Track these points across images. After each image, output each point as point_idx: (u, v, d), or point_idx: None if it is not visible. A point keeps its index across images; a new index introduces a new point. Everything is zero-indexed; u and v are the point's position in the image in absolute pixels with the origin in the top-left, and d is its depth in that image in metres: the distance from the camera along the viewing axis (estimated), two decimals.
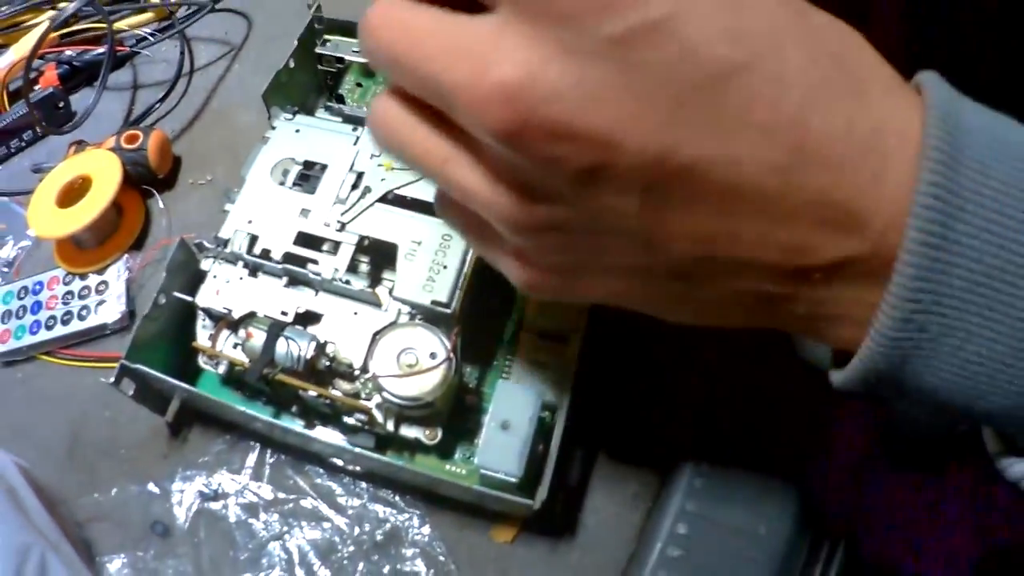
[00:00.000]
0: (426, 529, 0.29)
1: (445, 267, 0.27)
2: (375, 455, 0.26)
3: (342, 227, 0.29)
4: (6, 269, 0.37)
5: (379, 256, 0.29)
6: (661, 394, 0.31)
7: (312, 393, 0.27)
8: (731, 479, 0.27)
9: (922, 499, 0.30)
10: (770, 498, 0.27)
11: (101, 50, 0.42)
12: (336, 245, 0.29)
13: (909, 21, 0.38)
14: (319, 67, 0.35)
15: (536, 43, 0.13)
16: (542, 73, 0.13)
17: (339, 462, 0.30)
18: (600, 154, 0.14)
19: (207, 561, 0.30)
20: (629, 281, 0.17)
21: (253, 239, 0.29)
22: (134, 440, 0.32)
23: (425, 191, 0.29)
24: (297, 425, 0.29)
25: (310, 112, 0.34)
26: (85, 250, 0.36)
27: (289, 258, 0.28)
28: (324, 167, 0.30)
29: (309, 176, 0.30)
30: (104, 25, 0.41)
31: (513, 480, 0.25)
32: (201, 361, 0.30)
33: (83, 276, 0.35)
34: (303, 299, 0.28)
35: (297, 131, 0.32)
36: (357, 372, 0.27)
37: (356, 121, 0.32)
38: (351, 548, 0.29)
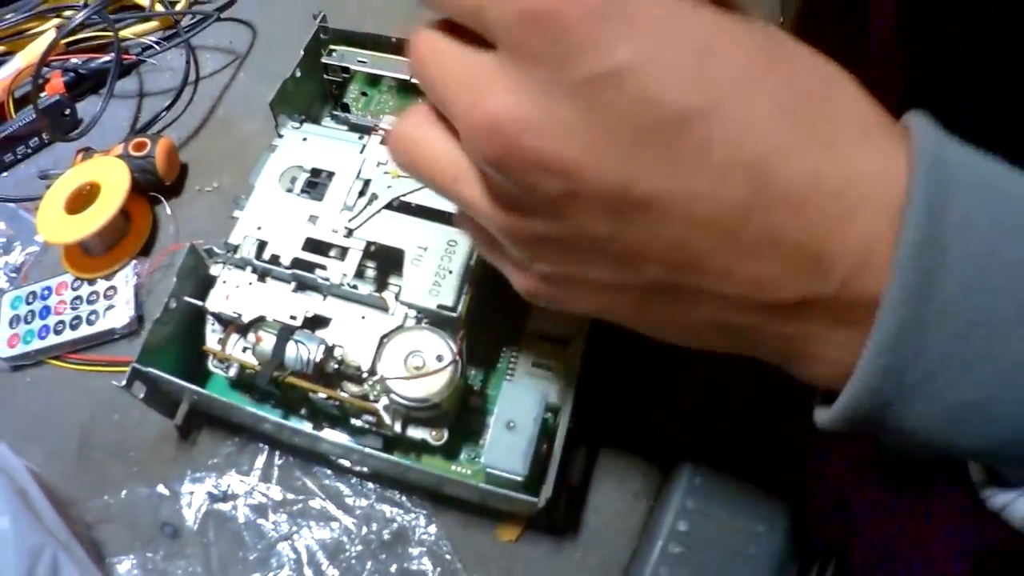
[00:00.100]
0: (432, 528, 0.30)
1: (450, 272, 0.28)
2: (383, 454, 0.27)
3: (349, 233, 0.29)
4: (14, 274, 0.38)
5: (385, 261, 0.30)
6: (661, 395, 0.31)
7: (321, 395, 0.27)
8: (731, 478, 0.28)
9: (912, 516, 0.30)
10: (769, 496, 0.28)
11: (107, 58, 0.42)
12: (344, 251, 0.29)
13: (905, 32, 0.39)
14: (325, 76, 0.36)
15: (521, 83, 0.15)
16: (522, 110, 0.15)
17: (346, 463, 0.31)
18: (568, 182, 0.16)
19: (216, 562, 0.30)
20: (612, 296, 0.18)
21: (262, 245, 0.30)
22: (143, 443, 0.33)
23: (431, 198, 0.30)
24: (306, 427, 0.30)
25: (315, 121, 0.35)
26: (93, 256, 0.36)
27: (298, 263, 0.29)
28: (331, 174, 0.31)
29: (317, 183, 0.31)
30: (108, 33, 0.42)
31: (518, 479, 0.26)
32: (211, 365, 0.30)
33: (91, 281, 0.36)
34: (311, 303, 0.29)
35: (304, 139, 0.32)
36: (365, 375, 0.27)
37: (362, 129, 0.33)
38: (359, 547, 0.30)
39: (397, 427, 0.28)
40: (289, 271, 0.29)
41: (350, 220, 0.30)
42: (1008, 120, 0.33)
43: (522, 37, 0.15)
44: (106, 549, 0.31)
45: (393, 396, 0.27)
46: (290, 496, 0.31)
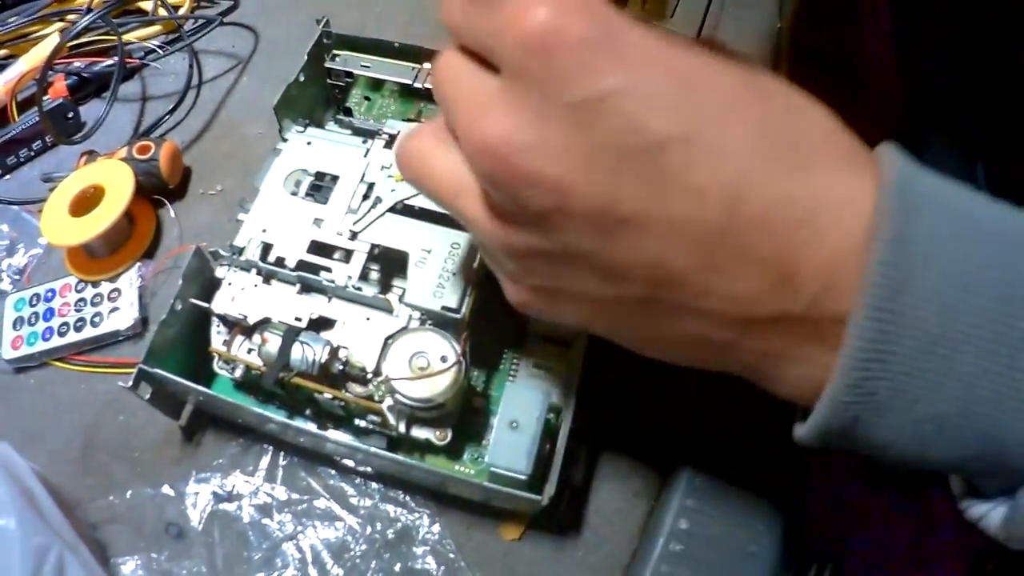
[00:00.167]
0: (436, 528, 0.30)
1: (454, 274, 0.28)
2: (387, 453, 0.27)
3: (354, 236, 0.30)
4: (17, 276, 0.38)
5: (389, 264, 0.30)
6: (661, 397, 0.32)
7: (327, 395, 0.28)
8: (730, 477, 0.29)
9: (906, 523, 0.30)
10: (768, 496, 0.28)
11: (109, 62, 0.43)
12: (348, 253, 0.30)
13: (900, 33, 0.40)
14: (328, 81, 0.36)
15: (518, 105, 0.17)
16: (515, 131, 0.17)
17: (350, 463, 0.31)
18: (556, 199, 0.17)
19: (221, 561, 0.30)
20: (597, 309, 0.20)
21: (267, 247, 0.30)
22: (147, 444, 0.33)
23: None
24: (311, 426, 0.30)
25: (319, 125, 0.35)
26: (97, 258, 0.37)
27: (303, 266, 0.29)
28: (335, 178, 0.31)
29: (321, 187, 0.31)
30: (111, 37, 0.42)
31: (522, 477, 0.26)
32: (216, 366, 0.30)
33: (95, 284, 0.36)
34: (316, 305, 0.29)
35: (309, 143, 0.33)
36: (370, 375, 0.28)
37: (366, 134, 0.33)
38: (363, 547, 0.30)
39: (401, 427, 0.28)
40: (294, 273, 0.29)
41: (354, 223, 0.30)
42: (1007, 120, 0.33)
43: (520, 63, 0.16)
44: (111, 549, 0.31)
45: (398, 396, 0.27)
46: (295, 496, 0.31)
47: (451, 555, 0.30)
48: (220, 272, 0.30)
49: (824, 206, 0.16)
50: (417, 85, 0.34)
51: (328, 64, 0.36)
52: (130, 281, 0.36)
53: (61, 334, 0.35)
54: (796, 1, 0.42)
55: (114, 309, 0.35)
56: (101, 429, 0.34)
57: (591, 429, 0.31)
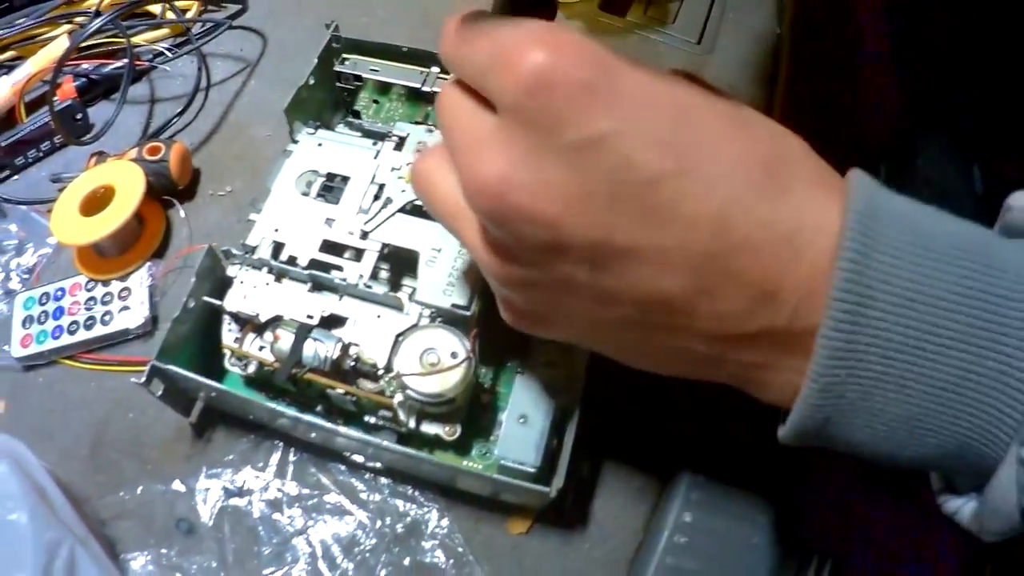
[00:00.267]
0: (445, 522, 0.30)
1: (464, 273, 0.29)
2: (398, 447, 0.27)
3: (365, 235, 0.30)
4: (26, 275, 0.38)
5: (399, 263, 0.31)
6: (665, 394, 0.32)
7: (339, 390, 0.28)
8: (733, 472, 0.29)
9: (906, 522, 0.31)
10: (770, 490, 0.29)
11: (118, 64, 0.43)
12: (359, 252, 0.30)
13: (896, 36, 0.41)
14: (337, 84, 0.37)
15: (514, 145, 0.18)
16: (514, 170, 0.18)
17: (360, 459, 0.31)
18: (553, 234, 0.18)
19: (232, 557, 0.31)
20: (588, 329, 0.21)
21: (279, 246, 0.31)
22: (157, 441, 0.33)
23: None
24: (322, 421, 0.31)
25: (327, 127, 0.36)
26: (106, 258, 0.37)
27: (315, 264, 0.30)
28: (346, 179, 0.32)
29: (332, 187, 0.32)
30: (120, 40, 0.43)
31: (531, 470, 0.27)
32: (228, 363, 0.31)
33: (105, 283, 0.36)
34: (327, 303, 0.30)
35: (319, 145, 0.33)
36: (381, 371, 0.28)
37: (375, 136, 0.34)
38: (373, 541, 0.30)
39: (411, 423, 0.29)
40: (306, 271, 0.30)
41: (366, 223, 0.31)
42: (1004, 121, 0.34)
43: (518, 104, 0.17)
44: (120, 545, 0.31)
45: (409, 392, 0.28)
46: (305, 491, 0.31)
47: (459, 549, 0.30)
48: (232, 271, 0.31)
49: (801, 228, 0.17)
50: (425, 89, 0.35)
51: (337, 67, 0.36)
52: (140, 280, 0.36)
53: (71, 332, 0.35)
54: (794, 6, 0.43)
55: (124, 307, 0.36)
56: (111, 426, 0.34)
57: (597, 426, 0.31)
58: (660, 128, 0.17)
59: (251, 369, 0.30)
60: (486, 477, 0.27)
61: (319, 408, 0.31)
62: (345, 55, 0.36)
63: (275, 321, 0.30)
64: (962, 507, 0.19)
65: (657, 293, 0.18)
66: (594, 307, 0.20)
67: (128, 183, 0.36)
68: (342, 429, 0.28)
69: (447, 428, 0.29)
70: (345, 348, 0.28)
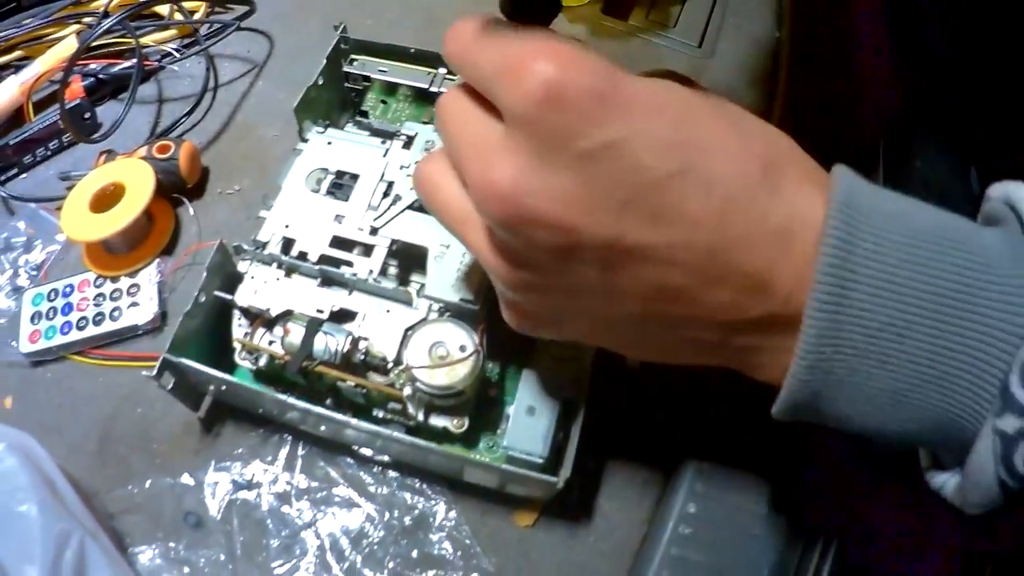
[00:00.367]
0: (452, 514, 0.31)
1: (472, 268, 0.30)
2: (407, 437, 0.28)
3: (374, 231, 0.31)
4: (35, 272, 0.38)
5: (407, 260, 0.32)
6: (669, 386, 0.33)
7: (350, 383, 0.29)
8: (736, 463, 0.30)
9: (907, 509, 0.31)
10: (772, 480, 0.30)
11: (126, 64, 0.44)
12: (369, 248, 0.31)
13: (893, 36, 0.41)
14: (346, 84, 0.37)
15: (525, 153, 0.18)
16: (526, 177, 0.18)
17: (368, 452, 0.32)
18: (567, 237, 0.19)
19: (240, 550, 0.31)
20: (595, 327, 0.22)
21: (289, 242, 0.31)
22: (166, 436, 0.34)
23: None
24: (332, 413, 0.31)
25: (335, 127, 0.36)
26: (115, 255, 0.37)
27: (325, 260, 0.30)
28: (356, 176, 0.33)
29: (342, 185, 0.33)
30: (127, 40, 0.43)
31: (539, 461, 0.27)
32: (238, 358, 0.31)
33: (114, 279, 0.37)
34: (337, 298, 0.30)
35: (329, 143, 0.34)
36: (390, 365, 0.29)
37: (384, 135, 0.35)
38: (381, 533, 0.31)
39: (420, 416, 0.29)
40: (316, 267, 0.30)
41: (375, 219, 0.31)
42: (1001, 123, 0.35)
43: (528, 114, 0.18)
44: (128, 539, 0.31)
45: (418, 384, 0.28)
46: (313, 484, 0.32)
47: (467, 541, 0.30)
48: (242, 266, 0.31)
49: (792, 221, 0.18)
50: (433, 89, 0.35)
51: (346, 68, 0.37)
52: (149, 276, 0.36)
53: (80, 328, 0.36)
54: (793, 10, 0.44)
55: (133, 304, 0.36)
56: (119, 422, 0.34)
57: (602, 420, 0.32)
58: (665, 131, 0.18)
59: (262, 362, 0.30)
60: (494, 467, 0.27)
61: (328, 402, 0.31)
62: (353, 56, 0.37)
63: (285, 316, 0.30)
64: (947, 482, 0.20)
65: (664, 287, 0.19)
66: (602, 304, 0.20)
67: (138, 181, 0.37)
68: (352, 420, 0.28)
69: (455, 421, 0.29)
70: (355, 342, 0.29)
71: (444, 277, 0.29)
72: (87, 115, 0.42)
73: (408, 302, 0.30)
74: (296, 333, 0.29)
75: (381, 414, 0.30)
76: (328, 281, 0.31)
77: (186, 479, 0.32)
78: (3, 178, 0.41)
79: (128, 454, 0.33)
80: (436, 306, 0.30)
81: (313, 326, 0.29)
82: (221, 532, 0.31)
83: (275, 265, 0.31)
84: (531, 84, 0.18)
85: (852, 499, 0.32)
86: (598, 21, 0.45)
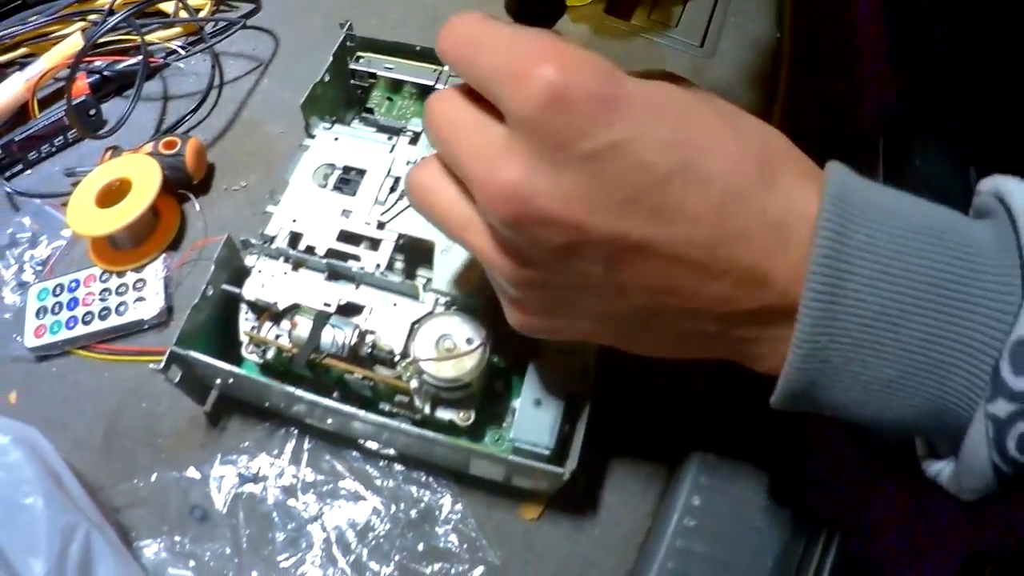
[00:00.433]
0: (458, 507, 0.31)
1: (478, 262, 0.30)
2: (414, 429, 0.28)
3: (381, 226, 0.31)
4: (40, 268, 0.38)
5: (413, 254, 0.32)
6: (672, 382, 0.33)
7: (357, 375, 0.29)
8: (740, 456, 0.30)
9: (908, 502, 0.32)
10: (776, 473, 0.30)
11: (131, 61, 0.44)
12: (376, 242, 0.31)
13: (892, 36, 0.42)
14: (352, 82, 0.38)
15: (530, 155, 0.19)
16: (533, 178, 0.19)
17: (374, 445, 0.32)
18: (573, 235, 0.19)
19: (246, 543, 0.31)
20: (598, 323, 0.22)
21: (296, 236, 0.31)
22: (171, 430, 0.34)
23: None
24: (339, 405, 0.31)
25: (341, 124, 0.36)
26: (121, 250, 0.38)
27: (332, 254, 0.31)
28: (362, 172, 0.33)
29: (349, 180, 0.33)
30: (133, 37, 0.44)
31: (545, 452, 0.27)
32: (245, 352, 0.31)
33: (120, 274, 0.37)
34: (344, 292, 0.30)
35: (336, 139, 0.34)
36: (397, 358, 0.29)
37: (390, 131, 0.35)
38: (387, 526, 0.31)
39: (426, 409, 0.29)
40: (324, 260, 0.30)
41: (382, 214, 0.31)
42: (999, 124, 0.36)
43: (532, 116, 0.18)
44: (134, 533, 0.31)
45: (426, 377, 0.28)
46: (319, 478, 0.32)
47: (473, 534, 0.31)
48: (250, 260, 0.32)
49: (788, 215, 0.19)
50: (439, 86, 0.36)
51: (352, 65, 0.37)
52: (155, 271, 0.37)
53: (86, 322, 0.36)
54: (793, 10, 0.44)
55: (139, 299, 0.36)
56: (124, 416, 0.34)
57: (606, 414, 0.32)
58: (666, 130, 0.19)
59: (269, 355, 0.30)
60: (501, 459, 0.28)
61: (335, 395, 0.31)
62: (359, 53, 0.37)
63: (292, 309, 0.30)
64: (942, 470, 0.20)
65: (666, 282, 0.20)
66: (605, 301, 0.21)
67: (145, 176, 0.37)
68: (360, 412, 0.28)
69: (461, 414, 0.30)
70: (362, 335, 0.29)
71: (451, 271, 0.30)
72: (92, 112, 0.42)
73: (415, 296, 0.30)
74: (304, 326, 0.30)
75: (387, 408, 0.31)
76: (335, 275, 0.31)
77: (192, 473, 0.32)
78: (8, 174, 0.42)
79: (133, 448, 0.33)
80: (443, 300, 0.30)
81: (321, 319, 0.29)
82: (227, 525, 0.31)
83: (282, 259, 0.31)
84: (535, 87, 0.18)
85: (852, 492, 0.32)
86: (601, 21, 0.46)
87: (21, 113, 0.43)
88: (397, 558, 0.30)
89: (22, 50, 0.46)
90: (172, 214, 0.39)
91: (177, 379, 0.30)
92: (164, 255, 0.37)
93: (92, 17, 0.45)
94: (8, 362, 0.36)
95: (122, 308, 0.36)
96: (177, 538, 0.31)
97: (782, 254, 0.19)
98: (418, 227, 0.31)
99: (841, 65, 0.43)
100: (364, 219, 0.31)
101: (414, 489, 0.32)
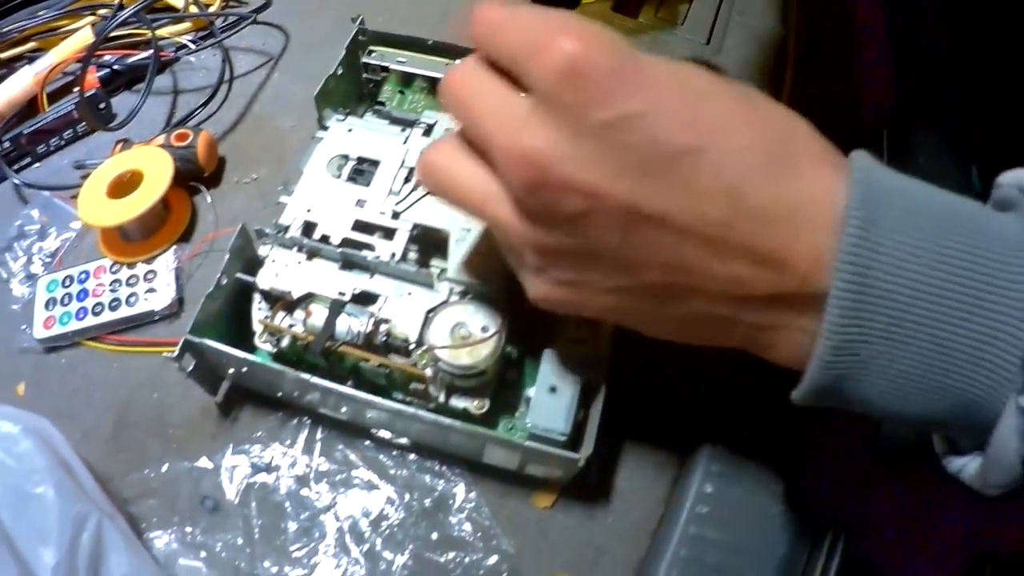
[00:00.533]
0: (472, 496, 0.31)
1: (493, 251, 0.30)
2: (429, 415, 0.28)
3: (396, 215, 0.31)
4: (49, 259, 0.38)
5: (427, 245, 0.32)
6: (683, 371, 0.34)
7: (373, 362, 0.29)
8: (752, 444, 0.30)
9: (912, 502, 0.32)
10: (787, 463, 0.30)
11: (141, 55, 0.44)
12: (391, 232, 0.31)
13: (894, 35, 0.43)
14: (364, 75, 0.38)
15: (552, 124, 0.19)
16: (553, 145, 0.19)
17: (387, 435, 0.32)
18: (589, 202, 0.20)
19: (258, 533, 0.31)
20: (615, 298, 0.22)
21: (310, 226, 0.31)
22: (183, 421, 0.34)
23: None
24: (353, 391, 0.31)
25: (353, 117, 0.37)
26: (131, 242, 0.38)
27: (347, 243, 0.31)
28: (376, 163, 0.33)
29: (363, 171, 0.33)
30: (143, 32, 0.44)
31: (561, 438, 0.27)
32: (259, 341, 0.31)
33: (131, 265, 0.37)
34: (359, 281, 0.30)
35: (349, 130, 0.34)
36: (412, 346, 0.29)
37: (403, 123, 0.35)
38: (401, 515, 0.31)
39: (441, 397, 0.29)
40: (339, 250, 0.30)
41: (397, 203, 0.31)
42: (1001, 123, 0.36)
43: (554, 88, 0.19)
44: (145, 524, 0.31)
45: (441, 364, 0.28)
46: (332, 467, 0.32)
47: (486, 522, 0.31)
48: (263, 250, 0.32)
49: (808, 201, 0.19)
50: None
51: (365, 59, 0.37)
52: (167, 263, 0.37)
53: (96, 313, 0.36)
54: (798, 8, 0.45)
55: (150, 290, 0.36)
56: (134, 407, 0.34)
57: (618, 403, 0.32)
58: (681, 109, 0.19)
59: (284, 343, 0.30)
60: (517, 444, 0.28)
61: (350, 383, 0.32)
62: (371, 47, 0.38)
63: (307, 298, 0.30)
64: (965, 465, 0.20)
65: (679, 258, 0.20)
66: (622, 274, 0.21)
67: (156, 168, 0.37)
68: (375, 399, 0.28)
69: (476, 402, 0.30)
70: (377, 323, 0.29)
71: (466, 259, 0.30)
72: (102, 105, 0.42)
73: (430, 285, 0.30)
74: (319, 314, 0.30)
75: (401, 397, 0.31)
76: (349, 264, 0.31)
77: (203, 463, 0.32)
78: (17, 167, 0.41)
79: (144, 439, 0.33)
80: (458, 289, 0.30)
81: (336, 307, 0.29)
82: (239, 516, 0.31)
83: (296, 249, 0.31)
84: (556, 59, 0.19)
85: (852, 491, 0.32)
86: (608, 18, 0.46)
87: (30, 106, 0.43)
88: (411, 547, 0.30)
89: (31, 44, 0.46)
90: (183, 206, 0.39)
91: (190, 368, 0.30)
92: (175, 247, 0.37)
93: (102, 12, 0.45)
94: (16, 353, 0.36)
95: (133, 299, 0.36)
96: (188, 529, 0.31)
97: (801, 240, 0.19)
98: (433, 217, 0.31)
99: (842, 65, 0.44)
100: (379, 209, 0.32)
101: (427, 478, 0.32)
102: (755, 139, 0.19)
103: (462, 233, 0.30)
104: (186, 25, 0.46)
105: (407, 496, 0.31)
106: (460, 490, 0.31)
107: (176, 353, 0.29)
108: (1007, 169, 0.21)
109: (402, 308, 0.30)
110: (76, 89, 0.42)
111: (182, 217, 0.38)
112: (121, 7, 0.43)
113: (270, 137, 0.42)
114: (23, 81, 0.43)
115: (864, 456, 0.33)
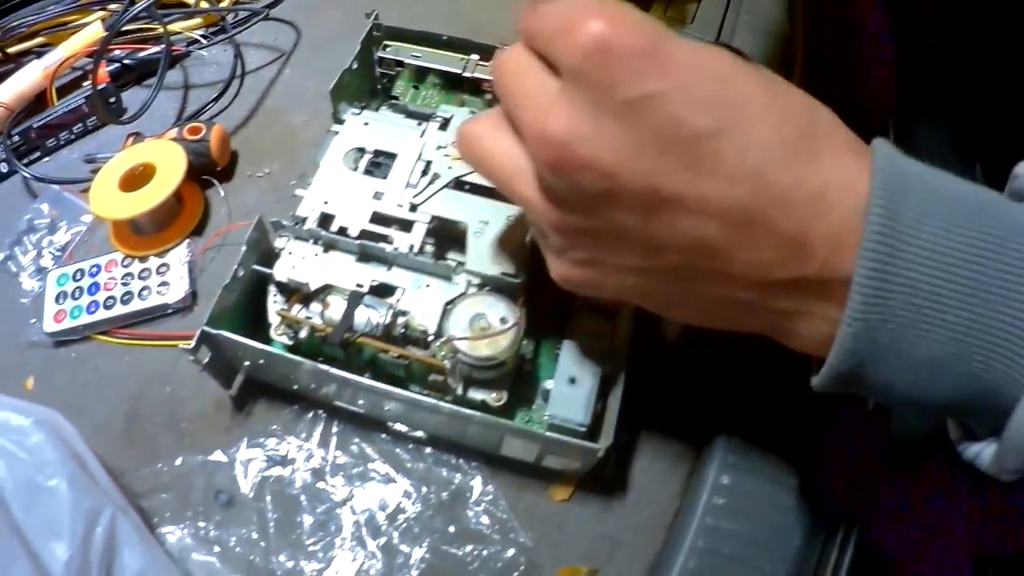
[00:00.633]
0: (489, 488, 0.31)
1: (511, 243, 0.30)
2: (448, 405, 0.28)
3: (414, 208, 0.31)
4: (59, 253, 0.38)
5: (444, 239, 0.32)
6: (700, 363, 0.34)
7: (392, 354, 0.29)
8: (767, 437, 0.30)
9: (921, 497, 0.32)
10: (801, 455, 0.30)
11: (152, 50, 0.44)
12: (408, 224, 0.31)
13: (897, 35, 0.43)
14: (379, 70, 0.38)
15: (577, 104, 0.20)
16: (576, 125, 0.20)
17: (404, 428, 0.32)
18: (610, 182, 0.20)
19: (273, 527, 0.31)
20: (636, 279, 0.22)
21: (328, 218, 0.31)
22: (196, 414, 0.33)
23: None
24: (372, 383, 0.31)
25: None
26: (143, 235, 0.37)
27: (365, 235, 0.31)
28: (393, 156, 0.33)
29: (379, 164, 0.33)
30: (153, 27, 0.44)
31: (581, 429, 0.27)
32: (275, 333, 0.31)
33: (143, 259, 0.37)
34: (376, 273, 0.30)
35: (366, 124, 0.34)
36: (431, 338, 0.29)
37: (419, 117, 0.35)
38: (418, 508, 0.31)
39: (459, 389, 0.29)
40: (357, 242, 0.30)
41: (414, 196, 0.32)
42: (1004, 122, 0.37)
43: (579, 67, 0.19)
44: (157, 519, 0.31)
45: (460, 356, 0.28)
46: (348, 460, 0.32)
47: (504, 515, 0.31)
48: (279, 243, 0.32)
49: (831, 187, 0.19)
50: (467, 75, 0.36)
51: (380, 54, 0.37)
52: (179, 257, 0.36)
53: (107, 307, 0.35)
54: (804, 7, 0.45)
55: (163, 283, 0.36)
56: (147, 400, 0.34)
57: (634, 396, 0.32)
58: (704, 91, 0.19)
59: (302, 334, 0.30)
60: (537, 435, 0.28)
61: (367, 375, 0.31)
62: (386, 42, 0.38)
63: (324, 290, 0.30)
64: (981, 451, 0.20)
65: (699, 240, 0.20)
66: (642, 256, 0.21)
67: (169, 161, 0.37)
68: (393, 389, 0.28)
69: (494, 395, 0.30)
70: (395, 315, 0.29)
71: (484, 252, 0.30)
72: (112, 99, 0.42)
73: (448, 277, 0.30)
74: (336, 306, 0.30)
75: (419, 389, 0.31)
76: (366, 256, 0.31)
77: (217, 456, 0.32)
78: (26, 161, 0.41)
79: (156, 433, 0.33)
80: (475, 281, 0.30)
81: (355, 298, 0.29)
82: (253, 509, 0.31)
83: (312, 241, 0.31)
84: (583, 39, 0.19)
85: (863, 486, 0.32)
86: None
87: (39, 101, 0.43)
88: (428, 540, 0.30)
89: (39, 39, 0.46)
90: (195, 200, 0.39)
91: (206, 360, 0.30)
92: (188, 240, 0.37)
93: (112, 7, 0.45)
94: (25, 347, 0.35)
95: (145, 293, 0.36)
96: (202, 523, 0.31)
97: (823, 226, 0.19)
98: (450, 209, 0.31)
99: (844, 65, 0.44)
100: (396, 201, 0.32)
101: (444, 471, 0.32)
102: (778, 124, 0.19)
103: (479, 226, 0.31)
104: (197, 20, 0.46)
105: (424, 489, 0.31)
106: (477, 483, 0.31)
107: (193, 345, 0.29)
108: (1012, 167, 0.21)
109: (420, 300, 0.30)
110: (87, 83, 0.42)
111: (195, 211, 0.38)
112: (132, 2, 0.43)
113: (282, 132, 0.42)
114: (32, 75, 0.42)
115: (874, 451, 0.33)
